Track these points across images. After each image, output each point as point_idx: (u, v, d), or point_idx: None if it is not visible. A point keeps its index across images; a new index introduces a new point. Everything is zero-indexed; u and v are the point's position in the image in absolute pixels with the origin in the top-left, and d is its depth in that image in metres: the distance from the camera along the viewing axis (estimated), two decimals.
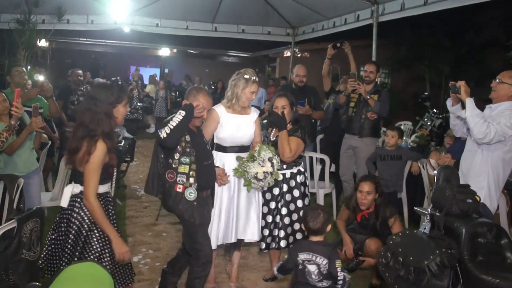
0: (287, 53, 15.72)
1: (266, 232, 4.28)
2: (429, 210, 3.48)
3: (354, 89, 5.99)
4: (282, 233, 4.22)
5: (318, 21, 9.63)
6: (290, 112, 4.28)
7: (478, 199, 3.38)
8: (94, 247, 2.97)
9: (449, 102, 4.24)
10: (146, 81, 17.36)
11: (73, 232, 2.97)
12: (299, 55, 15.19)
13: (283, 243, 4.22)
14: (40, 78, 5.85)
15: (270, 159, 3.86)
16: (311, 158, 6.27)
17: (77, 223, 2.99)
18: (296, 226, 4.25)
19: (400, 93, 15.18)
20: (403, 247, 3.24)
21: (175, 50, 20.71)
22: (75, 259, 2.96)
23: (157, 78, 17.03)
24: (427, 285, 3.02)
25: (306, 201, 4.33)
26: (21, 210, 4.10)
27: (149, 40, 16.71)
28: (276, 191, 4.28)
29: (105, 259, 2.99)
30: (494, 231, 3.16)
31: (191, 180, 3.55)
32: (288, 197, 4.26)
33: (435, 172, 3.83)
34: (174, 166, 3.55)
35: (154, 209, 6.39)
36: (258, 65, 19.74)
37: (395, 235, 3.49)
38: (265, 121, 6.34)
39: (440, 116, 9.45)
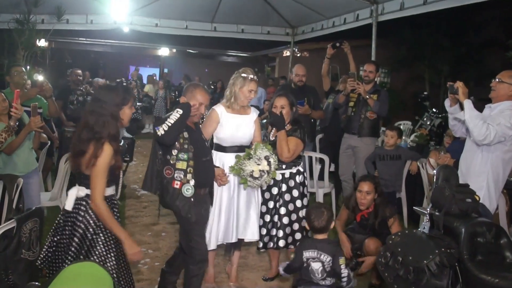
0: (287, 53, 15.72)
1: (264, 231, 4.28)
2: (428, 209, 3.48)
3: (353, 89, 5.99)
4: (280, 233, 4.22)
5: (318, 21, 9.64)
6: (289, 112, 4.29)
7: (478, 199, 3.38)
8: (99, 250, 2.94)
9: (447, 103, 4.24)
10: (145, 81, 17.34)
11: (78, 235, 2.93)
12: (298, 55, 15.18)
13: (281, 243, 4.22)
14: (40, 78, 5.85)
15: (266, 158, 3.86)
16: (310, 157, 6.27)
17: (83, 226, 2.95)
18: (295, 226, 4.25)
19: (400, 92, 15.18)
20: (403, 247, 3.24)
21: (174, 50, 20.70)
22: None
23: (156, 78, 17.00)
24: (427, 284, 3.02)
25: (305, 201, 4.33)
26: (21, 210, 4.10)
27: (149, 40, 16.70)
28: (275, 190, 4.29)
29: (110, 263, 2.95)
30: (493, 231, 3.16)
31: (189, 176, 3.55)
32: (287, 197, 4.26)
33: (435, 171, 3.83)
34: (172, 162, 3.56)
35: (154, 209, 6.39)
36: (257, 65, 19.73)
37: (394, 235, 3.50)
38: (264, 121, 6.34)
39: (440, 115, 9.45)
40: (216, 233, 4.05)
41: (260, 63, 20.68)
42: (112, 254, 2.98)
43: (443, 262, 3.00)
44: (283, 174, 4.28)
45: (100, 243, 2.95)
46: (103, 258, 2.93)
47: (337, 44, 6.60)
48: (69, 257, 2.96)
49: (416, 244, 3.25)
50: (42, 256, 3.09)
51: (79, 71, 8.10)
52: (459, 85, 3.93)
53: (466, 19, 13.99)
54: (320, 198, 6.14)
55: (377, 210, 4.41)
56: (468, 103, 3.86)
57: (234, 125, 4.10)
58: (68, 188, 5.30)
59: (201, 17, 10.15)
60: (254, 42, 13.86)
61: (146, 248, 5.13)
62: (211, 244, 4.06)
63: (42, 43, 9.16)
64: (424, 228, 3.39)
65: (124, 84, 11.88)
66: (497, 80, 4.02)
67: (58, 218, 3.10)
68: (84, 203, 2.98)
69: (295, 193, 4.27)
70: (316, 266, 3.40)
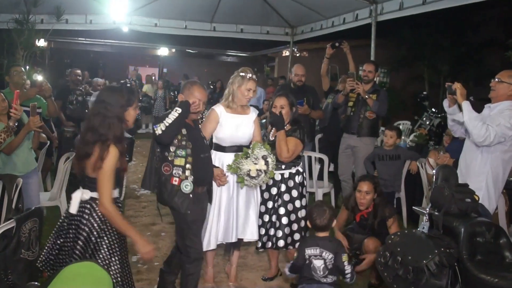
0: (286, 53, 15.73)
1: (263, 231, 4.28)
2: (427, 209, 3.48)
3: (352, 89, 5.99)
4: (280, 233, 4.22)
5: (317, 21, 9.64)
6: (289, 112, 4.28)
7: (477, 199, 3.38)
8: (104, 254, 2.90)
9: (445, 103, 4.23)
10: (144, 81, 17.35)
11: (82, 238, 2.89)
12: (297, 55, 15.20)
13: (281, 243, 4.22)
14: (39, 78, 5.85)
15: (264, 157, 3.87)
16: (309, 157, 6.28)
17: (87, 229, 2.90)
18: (294, 226, 4.24)
19: (399, 92, 15.20)
20: (402, 247, 3.24)
21: (173, 50, 20.71)
22: None
23: (155, 77, 17.00)
24: (426, 284, 3.02)
25: (304, 201, 4.33)
26: (20, 210, 4.10)
27: (148, 39, 16.70)
28: (274, 191, 4.28)
29: (114, 267, 2.92)
30: (492, 231, 3.16)
31: (187, 172, 3.56)
32: (286, 197, 4.26)
33: (434, 171, 3.83)
34: (170, 159, 3.56)
35: (153, 209, 6.39)
36: (256, 65, 19.74)
37: (393, 235, 3.50)
38: (263, 120, 6.34)
39: (439, 115, 9.44)
40: (216, 232, 4.05)
41: (259, 63, 20.69)
42: (116, 258, 2.94)
43: (442, 262, 3.01)
44: (282, 174, 4.27)
45: (104, 246, 2.91)
46: (107, 261, 2.89)
47: (337, 44, 6.61)
48: (73, 261, 2.91)
49: (415, 244, 3.25)
50: (43, 258, 3.05)
51: (79, 71, 8.10)
52: (457, 86, 3.92)
53: (465, 19, 14.01)
54: (319, 198, 6.14)
55: (377, 210, 4.41)
56: (466, 105, 3.85)
57: (233, 125, 4.10)
58: (68, 188, 5.36)
59: (201, 17, 10.15)
60: (254, 42, 13.87)
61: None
62: (211, 244, 4.06)
63: (41, 43, 9.15)
64: (424, 228, 3.39)
65: (128, 85, 11.90)
66: (496, 80, 4.01)
67: (61, 221, 3.06)
68: (88, 206, 2.94)
69: (294, 193, 4.27)
70: (318, 263, 3.42)
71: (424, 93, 12.44)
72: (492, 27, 14.37)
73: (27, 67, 7.73)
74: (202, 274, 4.50)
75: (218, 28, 10.43)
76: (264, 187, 4.29)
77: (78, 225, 2.92)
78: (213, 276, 4.43)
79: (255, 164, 3.84)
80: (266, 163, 3.87)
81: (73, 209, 2.93)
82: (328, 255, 3.41)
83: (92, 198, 2.94)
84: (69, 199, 5.32)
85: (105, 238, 2.92)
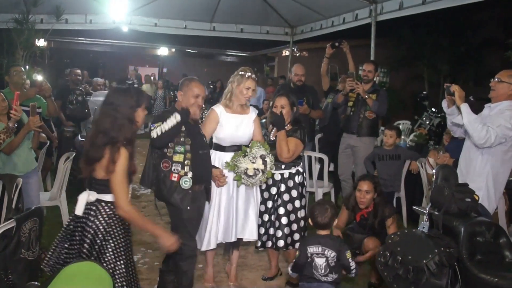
0: (286, 53, 15.73)
1: (262, 230, 4.29)
2: (427, 209, 3.48)
3: (352, 89, 6.00)
4: (279, 233, 4.22)
5: (317, 21, 9.63)
6: (289, 112, 4.28)
7: (477, 198, 3.38)
8: (109, 257, 2.86)
9: (444, 104, 4.23)
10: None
11: (88, 241, 2.85)
12: (297, 55, 15.20)
13: (281, 243, 4.22)
14: (39, 77, 5.85)
15: (262, 157, 3.88)
16: (309, 157, 6.28)
17: (92, 232, 2.86)
18: (294, 226, 4.24)
19: (399, 92, 15.21)
20: (402, 246, 3.24)
21: (173, 50, 20.72)
22: None
23: (155, 77, 17.00)
24: (426, 284, 3.02)
25: (303, 201, 4.33)
26: (20, 209, 4.10)
27: (148, 39, 16.72)
28: (273, 190, 4.28)
29: (119, 271, 2.88)
30: (492, 230, 3.16)
31: (186, 168, 3.58)
32: (286, 197, 4.25)
33: (434, 171, 3.83)
34: (169, 155, 3.58)
35: (153, 209, 6.35)
36: (256, 65, 19.74)
37: (394, 234, 3.50)
38: (263, 120, 6.34)
39: (439, 115, 9.45)
40: (215, 232, 4.06)
41: (259, 63, 20.70)
42: (121, 261, 2.90)
43: (442, 261, 3.01)
44: (282, 174, 4.27)
45: (110, 249, 2.87)
46: (112, 265, 2.86)
47: (336, 44, 6.61)
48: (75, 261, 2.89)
49: (415, 243, 3.25)
50: (51, 262, 2.99)
51: (78, 71, 8.10)
52: (455, 88, 3.90)
53: (465, 18, 14.02)
54: (319, 198, 6.13)
55: (377, 210, 4.41)
56: (465, 107, 3.84)
57: (233, 125, 4.10)
58: (68, 188, 5.36)
59: (200, 17, 10.14)
60: (253, 41, 13.87)
61: (145, 248, 5.13)
62: (211, 244, 4.06)
63: (41, 42, 9.14)
64: (424, 227, 3.39)
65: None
66: (496, 79, 4.01)
67: (67, 223, 3.03)
68: (94, 208, 2.90)
69: (294, 193, 4.26)
70: (320, 261, 3.43)
71: (424, 92, 12.46)
72: (491, 27, 14.39)
73: (27, 67, 7.73)
74: (202, 274, 4.52)
75: (218, 28, 10.41)
76: (264, 187, 4.29)
77: (84, 227, 2.88)
78: (213, 275, 4.43)
79: (253, 163, 3.85)
80: (264, 162, 3.88)
81: (79, 211, 2.89)
82: (330, 253, 3.42)
83: (98, 200, 2.90)
84: (69, 199, 5.36)
85: (111, 241, 2.89)
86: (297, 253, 3.57)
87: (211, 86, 15.60)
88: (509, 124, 3.78)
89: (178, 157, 3.59)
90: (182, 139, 3.60)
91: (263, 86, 13.61)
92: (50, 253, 3.01)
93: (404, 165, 6.01)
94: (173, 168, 3.57)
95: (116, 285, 2.80)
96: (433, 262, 3.01)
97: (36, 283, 2.26)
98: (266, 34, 10.82)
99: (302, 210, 4.26)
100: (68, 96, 7.53)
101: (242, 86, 4.08)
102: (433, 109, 9.82)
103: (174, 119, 3.51)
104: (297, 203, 4.25)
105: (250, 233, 4.20)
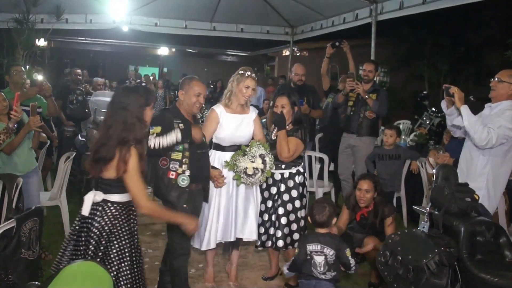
0: (286, 52, 15.71)
1: (262, 230, 4.29)
2: (428, 209, 3.48)
3: (352, 89, 6.00)
4: (279, 233, 4.22)
5: (317, 20, 9.63)
6: (290, 111, 4.28)
7: (477, 198, 3.38)
8: (113, 259, 2.83)
9: (443, 105, 4.23)
10: None
11: (94, 242, 2.82)
12: (298, 54, 15.18)
13: (280, 243, 4.21)
14: (39, 77, 5.85)
15: (262, 156, 3.89)
16: (310, 157, 6.28)
17: (97, 232, 2.83)
18: (293, 226, 4.24)
19: (399, 91, 15.21)
20: (402, 246, 3.24)
21: (174, 50, 20.70)
22: None
23: (153, 77, 16.97)
24: (426, 283, 3.02)
25: (304, 201, 4.32)
26: (20, 209, 4.10)
27: (148, 39, 16.71)
28: (273, 190, 4.28)
29: (124, 272, 2.86)
30: (492, 230, 3.16)
31: (184, 167, 3.60)
32: (285, 197, 4.25)
33: (434, 170, 3.83)
34: (167, 152, 3.59)
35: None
36: (257, 64, 19.74)
37: (394, 234, 3.50)
38: (263, 120, 6.34)
39: (439, 114, 9.46)
40: (215, 231, 4.06)
41: (259, 63, 20.69)
42: (126, 263, 2.88)
43: (442, 261, 3.01)
44: (282, 174, 4.27)
45: (114, 250, 2.85)
46: (116, 266, 2.83)
47: (337, 44, 6.61)
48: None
49: (415, 243, 3.25)
50: (58, 265, 2.93)
51: (79, 71, 8.11)
52: (454, 90, 3.89)
53: (465, 18, 14.01)
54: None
55: (377, 209, 4.41)
56: (465, 109, 3.83)
57: (233, 124, 4.11)
58: (68, 188, 5.36)
59: (201, 17, 10.14)
60: (254, 41, 13.88)
61: (145, 247, 5.13)
62: (211, 243, 4.07)
63: (41, 42, 9.16)
64: (424, 227, 3.39)
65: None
66: (496, 79, 4.00)
67: (74, 224, 3.00)
68: (100, 208, 2.87)
69: (294, 193, 4.26)
70: (319, 259, 3.46)
71: (424, 92, 12.47)
72: (492, 27, 14.36)
73: (27, 66, 7.72)
74: (203, 274, 4.52)
75: (218, 27, 10.41)
76: (264, 186, 4.29)
77: (89, 228, 2.85)
78: (214, 275, 4.44)
79: (252, 162, 3.86)
80: (264, 162, 3.89)
81: (85, 211, 2.87)
82: (329, 251, 3.45)
83: (104, 200, 2.88)
84: (69, 198, 5.37)
85: (115, 241, 2.87)
86: (296, 250, 3.58)
87: (211, 86, 15.59)
88: (510, 125, 3.78)
89: (176, 155, 3.61)
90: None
91: (264, 86, 13.61)
92: (59, 256, 2.95)
93: (404, 165, 6.01)
94: (171, 166, 3.59)
95: (121, 287, 2.79)
96: (433, 261, 3.01)
97: (36, 283, 2.26)
98: (267, 34, 10.81)
99: (303, 210, 4.26)
100: (68, 96, 7.53)
101: (242, 85, 4.08)
102: (433, 109, 9.82)
103: (174, 137, 3.54)
104: (297, 203, 4.25)
105: (249, 233, 4.20)
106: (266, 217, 4.29)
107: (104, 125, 2.91)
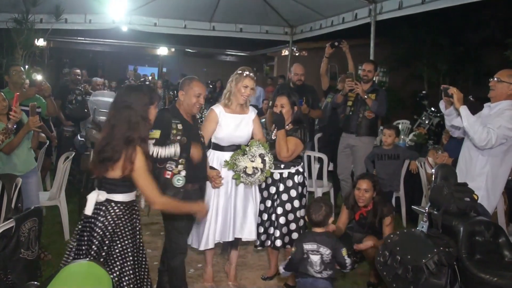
0: (285, 52, 15.69)
1: (261, 229, 4.29)
2: (427, 208, 3.48)
3: (351, 89, 6.00)
4: (277, 233, 4.22)
5: (316, 20, 9.63)
6: (289, 111, 4.28)
7: (476, 198, 3.38)
8: (116, 259, 2.82)
9: (442, 105, 4.22)
10: None
11: (97, 242, 2.80)
12: (297, 54, 15.17)
13: (278, 243, 4.22)
14: (38, 77, 5.84)
15: (261, 156, 3.89)
16: (309, 157, 6.28)
17: (100, 232, 2.82)
18: (292, 226, 4.24)
19: (398, 91, 15.20)
20: (401, 246, 3.25)
21: (173, 49, 20.70)
22: None
23: (151, 77, 16.97)
24: (425, 283, 3.02)
25: (304, 201, 4.33)
26: (19, 209, 4.10)
27: (147, 39, 16.71)
28: (272, 190, 4.29)
29: (127, 273, 2.84)
30: (492, 230, 3.17)
31: (180, 167, 3.60)
32: (284, 196, 4.25)
33: (433, 170, 3.83)
34: None
35: (153, 209, 6.37)
36: (256, 64, 19.74)
37: (393, 234, 3.50)
38: (263, 120, 6.35)
39: (438, 114, 9.45)
40: (213, 231, 4.06)
41: (258, 63, 20.70)
42: (128, 263, 2.86)
43: (441, 261, 3.01)
44: (281, 174, 4.27)
45: (117, 250, 2.84)
46: (119, 266, 2.82)
47: (336, 43, 6.61)
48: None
49: (414, 243, 3.25)
50: (64, 264, 2.88)
51: (78, 71, 8.10)
52: (453, 91, 3.88)
53: (464, 18, 14.00)
54: None
55: (376, 209, 4.41)
56: (464, 110, 3.82)
57: (232, 125, 4.11)
58: (67, 188, 5.36)
59: (200, 17, 10.14)
60: (253, 41, 13.87)
61: (145, 247, 5.12)
62: (209, 243, 4.06)
63: (40, 42, 9.14)
64: (423, 227, 3.39)
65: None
66: (495, 79, 4.00)
67: (78, 224, 2.98)
68: (103, 208, 2.86)
69: (293, 193, 4.26)
70: (315, 258, 3.51)
71: (423, 92, 12.46)
72: (491, 27, 14.37)
73: (26, 66, 7.71)
74: (202, 274, 4.52)
75: (217, 27, 10.41)
76: (263, 186, 4.29)
77: (92, 227, 2.84)
78: (213, 275, 4.43)
79: (252, 161, 3.86)
80: (263, 161, 3.89)
81: (88, 210, 2.85)
82: (325, 250, 3.49)
83: (108, 200, 2.87)
84: (68, 198, 5.37)
85: (118, 242, 2.85)
86: (292, 249, 3.60)
87: (211, 86, 15.59)
88: (509, 125, 3.77)
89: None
90: (178, 137, 3.61)
91: (263, 86, 13.61)
92: (65, 257, 2.94)
93: (403, 164, 6.01)
94: (167, 165, 3.60)
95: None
96: (432, 261, 3.01)
97: (35, 283, 2.26)
98: (266, 34, 10.81)
99: (302, 210, 4.26)
100: (67, 96, 7.53)
101: (240, 85, 4.08)
102: (433, 109, 9.81)
103: (173, 151, 3.56)
104: (296, 203, 4.25)
105: (248, 233, 4.20)
106: (265, 216, 4.29)
107: (108, 125, 2.89)
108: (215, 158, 4.10)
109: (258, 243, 4.31)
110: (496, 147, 3.88)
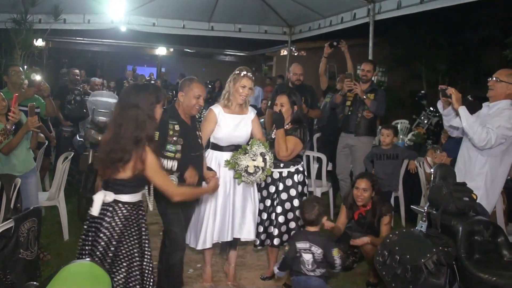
0: (284, 52, 15.70)
1: (261, 229, 4.29)
2: (425, 208, 3.49)
3: (350, 89, 6.00)
4: (276, 231, 4.23)
5: (315, 20, 9.63)
6: (289, 110, 4.28)
7: (475, 197, 3.38)
8: (123, 260, 2.81)
9: (440, 105, 4.22)
10: None
11: (102, 243, 2.78)
12: (295, 54, 15.17)
13: (276, 241, 4.23)
14: (37, 77, 5.84)
15: (262, 154, 3.89)
16: (308, 156, 6.28)
17: (107, 233, 2.79)
18: (292, 224, 4.25)
19: (397, 91, 15.20)
20: (400, 246, 3.25)
21: (171, 49, 20.69)
22: None
23: (153, 77, 16.97)
24: (424, 283, 3.03)
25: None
26: (18, 209, 4.10)
27: (146, 39, 16.71)
28: (272, 189, 4.29)
29: (133, 274, 2.84)
30: (490, 229, 3.17)
31: (174, 168, 3.62)
32: (283, 195, 4.26)
33: (432, 170, 3.83)
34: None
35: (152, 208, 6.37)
36: (254, 64, 19.75)
37: (392, 234, 3.51)
38: (261, 120, 6.34)
39: (437, 114, 9.43)
40: (211, 231, 4.05)
41: (257, 62, 20.70)
42: (136, 268, 2.85)
43: (440, 260, 3.01)
44: (280, 173, 4.28)
45: (124, 251, 2.82)
46: (126, 267, 2.81)
47: (334, 43, 6.61)
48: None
49: (413, 242, 3.26)
50: None
51: (77, 71, 8.09)
52: (451, 91, 3.88)
53: (463, 17, 14.00)
54: None
55: (375, 208, 4.42)
56: (463, 110, 3.82)
57: (231, 125, 4.11)
58: (66, 188, 5.36)
59: (198, 17, 10.13)
60: (252, 41, 13.86)
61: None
62: (207, 243, 4.06)
63: (39, 42, 9.13)
64: (422, 226, 3.39)
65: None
66: (494, 79, 4.00)
67: (84, 224, 2.96)
68: (110, 208, 2.83)
69: (293, 192, 4.27)
70: (307, 257, 3.55)
71: (422, 92, 12.43)
72: (490, 26, 14.36)
73: (25, 66, 7.72)
74: (201, 273, 4.52)
75: (216, 27, 10.40)
76: (262, 185, 4.30)
77: (98, 228, 2.81)
78: (212, 275, 4.43)
79: (253, 160, 3.86)
80: (264, 160, 3.89)
81: (95, 211, 2.82)
82: (317, 249, 3.52)
83: (115, 201, 2.85)
84: (67, 199, 5.36)
85: (124, 243, 2.84)
86: (286, 248, 3.62)
87: (209, 86, 15.58)
88: (508, 124, 3.77)
89: (169, 155, 3.65)
90: (175, 138, 3.62)
91: (262, 86, 13.61)
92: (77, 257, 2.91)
93: (402, 164, 6.02)
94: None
95: None
96: (431, 261, 3.02)
97: (34, 283, 2.26)
98: (264, 34, 10.80)
99: None
100: (66, 96, 7.53)
101: (238, 85, 4.09)
102: (431, 108, 9.80)
103: (170, 165, 3.61)
104: (295, 202, 4.26)
105: (247, 233, 4.19)
106: (264, 216, 4.30)
107: (114, 124, 2.87)
108: (214, 158, 4.10)
109: (257, 242, 4.31)
110: (495, 147, 3.87)
